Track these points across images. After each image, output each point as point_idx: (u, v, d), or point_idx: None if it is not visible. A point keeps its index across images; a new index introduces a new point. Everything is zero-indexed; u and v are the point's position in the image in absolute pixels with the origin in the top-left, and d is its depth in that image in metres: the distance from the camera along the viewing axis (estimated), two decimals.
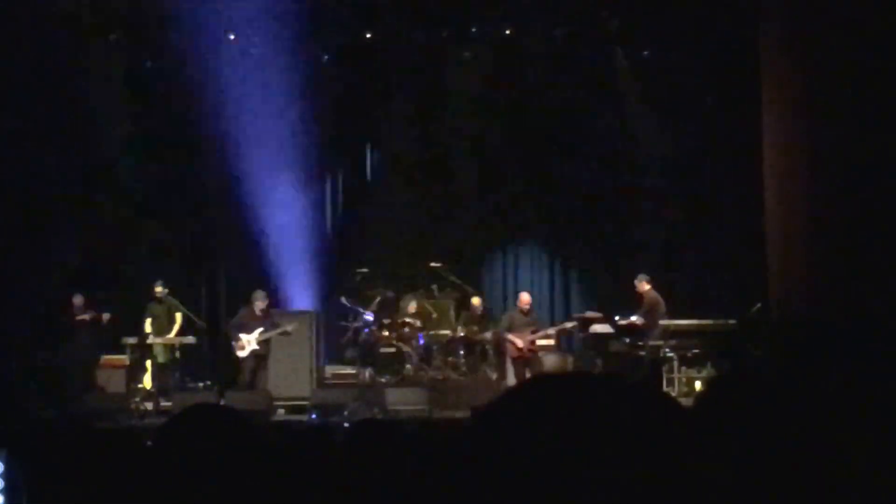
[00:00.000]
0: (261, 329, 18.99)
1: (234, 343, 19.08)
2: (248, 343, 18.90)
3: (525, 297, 19.38)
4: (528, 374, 18.63)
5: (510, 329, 19.15)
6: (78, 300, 19.66)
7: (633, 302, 19.57)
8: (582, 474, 1.63)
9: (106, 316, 19.68)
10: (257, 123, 22.06)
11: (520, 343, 18.91)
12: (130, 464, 4.03)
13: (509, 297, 21.96)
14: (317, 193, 22.63)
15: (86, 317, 19.52)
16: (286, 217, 22.32)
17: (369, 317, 20.65)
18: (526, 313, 19.31)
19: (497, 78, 22.09)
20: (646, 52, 20.83)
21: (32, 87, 20.15)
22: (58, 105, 20.56)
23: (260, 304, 19.22)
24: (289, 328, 19.25)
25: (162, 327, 19.71)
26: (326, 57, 21.59)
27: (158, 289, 19.92)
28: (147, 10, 20.02)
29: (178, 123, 21.90)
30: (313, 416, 17.85)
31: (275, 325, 19.17)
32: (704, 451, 1.76)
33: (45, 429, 14.77)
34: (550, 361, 19.47)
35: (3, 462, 5.51)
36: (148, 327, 19.71)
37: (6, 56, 19.55)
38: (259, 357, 19.03)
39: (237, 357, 19.08)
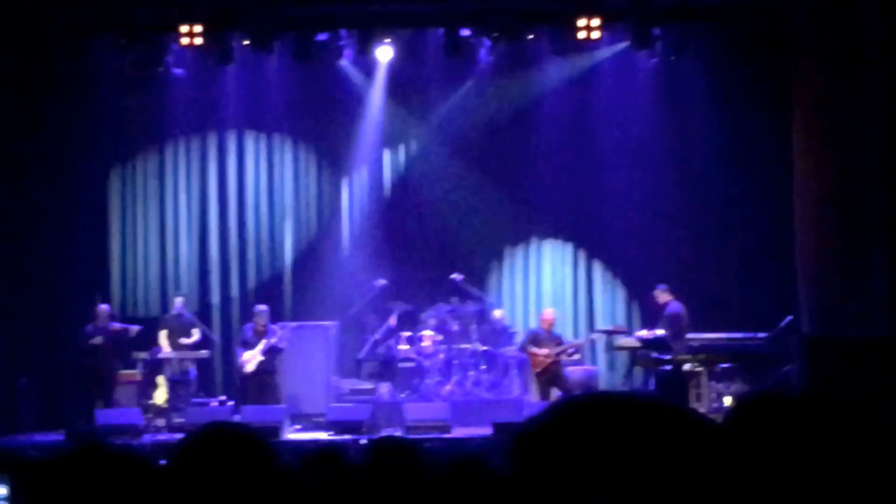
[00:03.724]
0: (263, 342, 18.82)
1: (240, 360, 19.06)
2: (254, 357, 18.77)
3: (549, 313, 18.92)
4: (552, 390, 18.31)
5: (534, 344, 18.66)
6: (103, 309, 19.35)
7: (657, 314, 19.32)
8: (618, 496, 1.63)
9: (134, 329, 19.39)
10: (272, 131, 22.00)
11: (544, 351, 18.38)
12: (143, 485, 3.78)
13: (531, 309, 21.66)
14: (334, 203, 22.37)
15: (113, 327, 19.20)
16: (301, 227, 22.20)
17: (387, 330, 20.47)
18: (550, 330, 18.83)
19: (519, 78, 21.93)
20: (672, 57, 20.52)
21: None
22: (78, 105, 20.38)
23: (260, 318, 19.22)
24: (274, 341, 19.13)
25: (177, 341, 19.44)
26: (345, 61, 21.34)
27: (179, 301, 19.72)
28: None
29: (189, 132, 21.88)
30: (329, 432, 17.59)
31: (269, 335, 19.08)
32: (736, 470, 1.75)
33: (53, 448, 14.53)
34: (575, 376, 19.11)
35: (7, 486, 5.22)
36: (163, 341, 19.44)
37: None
38: (267, 372, 18.89)
39: (245, 374, 19.03)
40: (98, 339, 18.99)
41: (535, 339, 18.69)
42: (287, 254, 22.28)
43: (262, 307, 19.60)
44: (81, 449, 3.74)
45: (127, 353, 19.55)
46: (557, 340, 18.68)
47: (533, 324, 20.55)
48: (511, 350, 20.17)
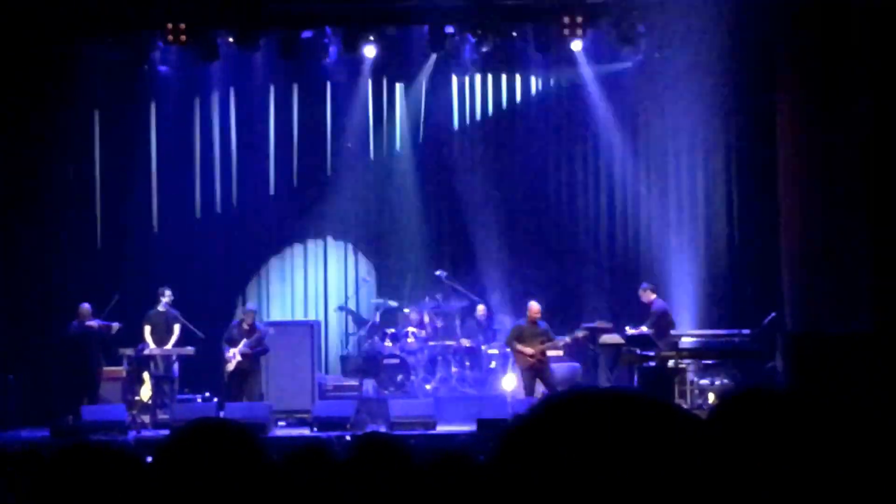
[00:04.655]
0: (244, 341, 18.70)
1: (225, 356, 18.96)
2: (234, 356, 18.66)
3: (535, 307, 18.86)
4: (537, 385, 18.25)
5: (519, 340, 18.59)
6: (86, 307, 19.27)
7: (641, 312, 19.32)
8: (604, 493, 1.63)
9: (116, 326, 19.30)
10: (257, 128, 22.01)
11: (529, 351, 18.33)
12: (129, 482, 3.79)
13: (515, 305, 21.66)
14: (318, 199, 22.31)
15: (94, 324, 19.12)
16: (286, 224, 22.17)
17: (372, 327, 20.48)
18: (535, 323, 18.75)
19: (503, 75, 22.07)
20: (657, 54, 20.52)
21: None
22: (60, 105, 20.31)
23: (247, 317, 19.12)
24: (270, 331, 19.05)
25: (160, 337, 19.39)
26: (330, 58, 21.30)
27: (166, 297, 19.62)
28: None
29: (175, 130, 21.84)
30: (314, 429, 17.57)
31: (253, 335, 18.93)
32: (721, 467, 1.72)
33: (37, 445, 14.51)
34: (559, 373, 19.09)
35: None
36: (148, 337, 19.39)
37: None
38: (244, 372, 18.77)
39: (227, 372, 18.98)
40: (94, 323, 18.96)
41: (519, 333, 18.56)
42: (272, 251, 22.25)
43: (252, 306, 19.63)
44: (68, 447, 3.75)
45: (110, 349, 19.50)
46: (543, 334, 18.56)
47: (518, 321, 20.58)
48: (495, 346, 20.17)
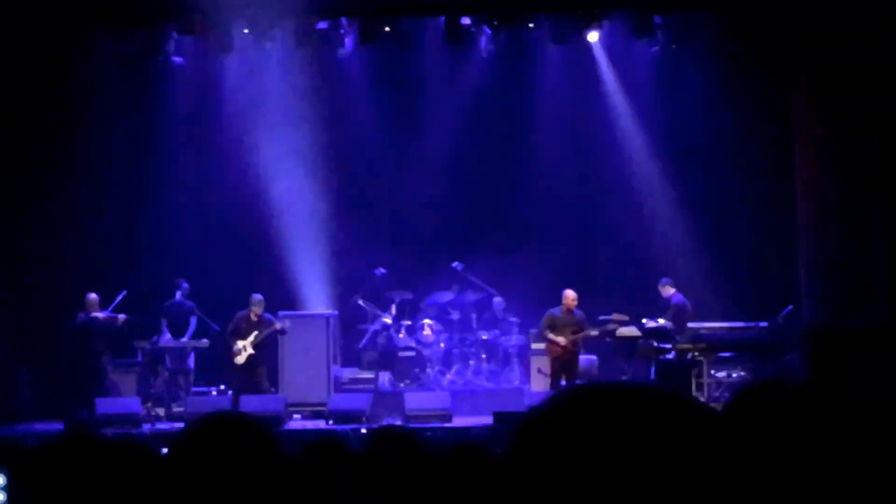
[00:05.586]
0: (255, 332, 18.63)
1: (233, 349, 18.82)
2: (245, 348, 18.57)
3: (570, 294, 18.56)
4: (563, 376, 18.06)
5: (552, 328, 18.34)
6: (93, 298, 19.27)
7: (660, 306, 19.29)
8: (622, 487, 1.63)
9: (122, 318, 19.30)
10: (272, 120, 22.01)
11: (561, 341, 18.09)
12: (143, 474, 3.79)
13: (532, 298, 21.63)
14: (334, 191, 22.30)
15: (99, 315, 19.10)
16: (302, 216, 22.12)
17: (388, 319, 20.44)
18: (570, 312, 18.49)
19: (514, 66, 21.99)
20: (674, 46, 20.48)
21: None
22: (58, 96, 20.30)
23: (256, 308, 18.93)
24: (279, 326, 18.94)
25: (177, 329, 19.42)
26: (345, 49, 21.29)
27: (182, 289, 19.67)
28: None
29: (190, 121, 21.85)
30: (330, 422, 17.57)
31: (269, 326, 18.80)
32: (737, 459, 1.72)
33: (50, 438, 14.53)
34: (582, 364, 18.96)
35: (4, 476, 5.21)
36: (164, 329, 19.42)
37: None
38: (253, 365, 18.72)
39: (236, 364, 18.87)
40: (100, 315, 18.95)
41: (552, 322, 18.28)
42: (288, 242, 22.22)
43: (258, 296, 19.39)
44: (71, 439, 3.73)
45: (121, 342, 19.52)
46: (577, 323, 18.29)
47: (533, 313, 20.56)
48: (512, 339, 20.15)
